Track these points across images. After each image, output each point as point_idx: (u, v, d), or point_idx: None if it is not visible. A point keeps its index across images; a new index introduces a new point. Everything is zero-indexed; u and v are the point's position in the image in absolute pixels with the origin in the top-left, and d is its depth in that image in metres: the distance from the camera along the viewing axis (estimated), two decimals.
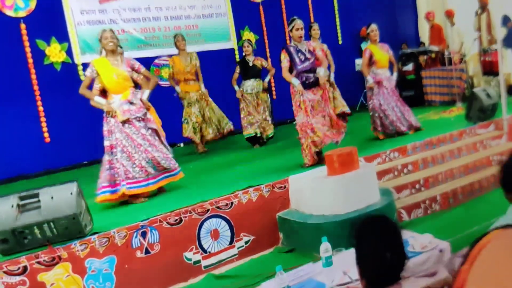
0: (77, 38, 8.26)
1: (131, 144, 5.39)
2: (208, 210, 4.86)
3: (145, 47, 8.61)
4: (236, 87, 8.21)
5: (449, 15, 10.19)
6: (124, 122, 5.38)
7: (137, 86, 5.63)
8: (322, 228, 4.61)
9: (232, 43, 9.85)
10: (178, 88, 7.85)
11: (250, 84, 8.14)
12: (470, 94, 7.98)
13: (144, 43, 8.33)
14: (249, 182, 5.39)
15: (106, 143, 5.42)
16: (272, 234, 5.17)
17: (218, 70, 9.11)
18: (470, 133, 7.25)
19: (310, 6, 10.98)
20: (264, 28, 10.30)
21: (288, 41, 8.14)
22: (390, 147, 6.42)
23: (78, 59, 8.24)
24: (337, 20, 11.49)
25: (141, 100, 5.53)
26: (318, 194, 5.03)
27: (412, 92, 10.12)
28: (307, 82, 6.07)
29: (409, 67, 10.45)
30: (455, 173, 6.30)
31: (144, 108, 5.53)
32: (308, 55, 6.16)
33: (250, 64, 8.19)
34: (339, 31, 11.55)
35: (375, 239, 2.00)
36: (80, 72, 8.27)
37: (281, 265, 3.26)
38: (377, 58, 7.42)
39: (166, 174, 5.66)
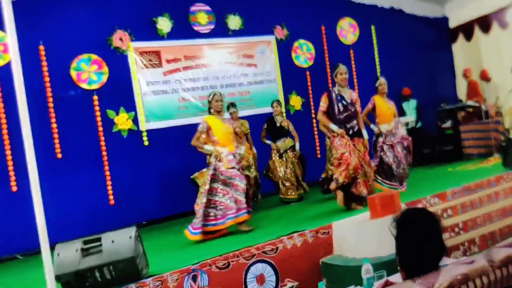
0: (143, 107, 8.51)
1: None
2: (254, 255, 4.78)
3: (203, 113, 8.82)
4: (268, 142, 8.19)
5: (484, 76, 10.01)
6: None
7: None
8: None
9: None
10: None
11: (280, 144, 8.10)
12: (508, 141, 7.71)
13: (202, 110, 8.51)
14: (293, 228, 5.32)
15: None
16: (315, 280, 5.01)
17: None
18: (507, 178, 6.93)
19: (353, 68, 11.02)
20: (310, 92, 10.39)
21: None
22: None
23: (143, 126, 8.45)
24: None
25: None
26: (360, 237, 4.90)
27: (450, 146, 9.90)
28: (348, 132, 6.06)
29: (448, 124, 10.28)
30: (493, 216, 6.12)
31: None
32: (349, 106, 6.11)
33: (278, 124, 8.20)
34: None
35: (416, 229, 1.98)
36: (145, 138, 8.49)
37: None
38: (381, 111, 7.18)
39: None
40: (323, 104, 6.18)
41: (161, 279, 4.29)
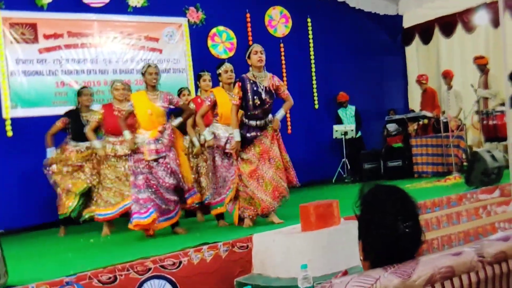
0: (9, 90, 8.33)
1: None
2: (149, 269, 4.63)
3: None
4: None
5: (447, 76, 10.43)
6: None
7: None
8: None
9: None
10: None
11: None
12: (472, 155, 8.01)
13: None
14: (204, 239, 5.26)
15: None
16: None
17: None
18: (471, 198, 7.20)
19: (283, 64, 11.28)
20: None
21: None
22: None
23: (7, 113, 8.25)
24: (314, 82, 11.75)
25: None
26: (289, 253, 4.83)
27: (399, 162, 10.24)
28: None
29: (395, 134, 10.69)
30: (453, 240, 6.23)
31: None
32: (267, 97, 6.21)
33: None
34: (315, 94, 11.80)
35: (385, 207, 1.91)
36: (8, 128, 8.31)
37: None
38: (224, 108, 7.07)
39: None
40: (236, 97, 6.16)
41: None
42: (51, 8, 8.83)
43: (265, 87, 6.15)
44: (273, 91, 6.23)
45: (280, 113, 6.27)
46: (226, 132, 6.47)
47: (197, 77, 7.71)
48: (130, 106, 6.42)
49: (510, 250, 2.00)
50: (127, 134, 6.35)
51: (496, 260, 1.97)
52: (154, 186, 6.12)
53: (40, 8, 8.77)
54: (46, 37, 8.83)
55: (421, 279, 1.77)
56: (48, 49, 8.83)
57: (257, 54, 6.17)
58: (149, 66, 6.42)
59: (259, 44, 6.38)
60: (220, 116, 6.60)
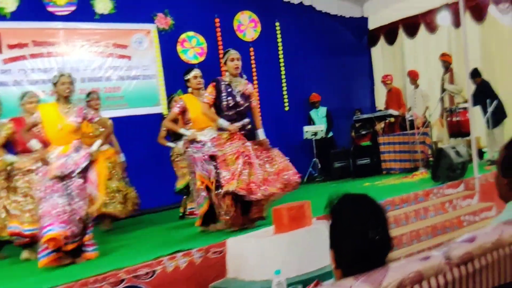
0: None
1: None
2: (123, 280, 4.55)
3: None
4: (169, 144, 8.09)
5: (413, 76, 10.55)
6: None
7: None
8: None
9: (162, 108, 9.94)
10: None
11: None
12: (438, 152, 8.13)
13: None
14: (178, 246, 5.22)
15: None
16: None
17: None
18: (438, 193, 7.31)
19: (254, 67, 11.31)
20: None
21: None
22: None
23: None
24: (284, 84, 11.79)
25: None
26: (262, 255, 4.84)
27: (367, 160, 10.34)
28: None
29: (364, 133, 10.84)
30: (421, 234, 6.34)
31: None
32: (241, 100, 6.15)
33: None
34: (285, 96, 11.84)
35: (355, 218, 1.94)
36: None
37: None
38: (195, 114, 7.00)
39: None
40: (209, 96, 6.11)
41: None
42: (14, 17, 8.68)
43: (239, 91, 6.13)
44: (247, 96, 6.21)
45: (260, 132, 6.27)
46: (204, 136, 6.43)
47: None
48: (36, 117, 5.66)
49: (475, 250, 2.03)
50: (35, 143, 5.61)
51: (463, 261, 2.00)
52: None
53: (3, 17, 8.61)
54: (10, 47, 8.68)
55: (392, 285, 1.79)
56: (13, 59, 8.69)
57: (233, 61, 6.13)
58: (62, 75, 5.69)
59: (232, 49, 6.34)
60: (193, 122, 6.55)
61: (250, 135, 6.15)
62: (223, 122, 5.99)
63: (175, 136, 7.83)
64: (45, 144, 5.68)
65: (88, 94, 7.95)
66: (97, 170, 5.75)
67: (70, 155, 5.55)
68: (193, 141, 6.47)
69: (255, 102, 6.41)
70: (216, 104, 6.12)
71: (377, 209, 1.98)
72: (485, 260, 2.06)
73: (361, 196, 2.03)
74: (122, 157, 7.98)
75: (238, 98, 6.09)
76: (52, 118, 5.59)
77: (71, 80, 5.70)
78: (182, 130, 6.62)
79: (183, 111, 6.64)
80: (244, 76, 6.34)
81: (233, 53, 6.18)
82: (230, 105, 6.04)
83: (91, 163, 5.68)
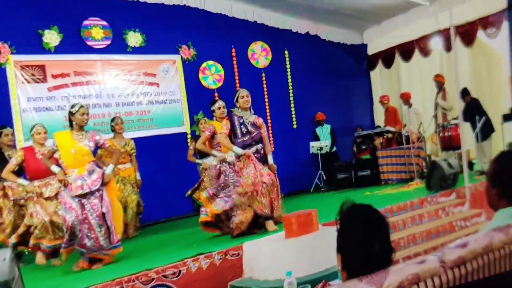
0: (21, 125, 8.22)
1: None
2: (153, 279, 4.54)
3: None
4: (198, 161, 8.14)
5: (406, 98, 10.49)
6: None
7: None
8: None
9: (185, 128, 10.05)
10: None
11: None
12: (431, 164, 8.04)
13: (93, 129, 8.17)
14: (200, 249, 5.19)
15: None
16: None
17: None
18: (432, 201, 7.22)
19: (265, 91, 11.29)
20: None
21: None
22: None
23: (21, 145, 8.03)
24: (292, 105, 11.76)
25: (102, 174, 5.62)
26: (274, 257, 4.81)
27: (367, 171, 10.26)
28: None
29: (364, 148, 10.80)
30: (417, 238, 6.26)
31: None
32: (253, 128, 6.27)
33: None
34: (294, 116, 11.79)
35: (361, 226, 1.92)
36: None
37: None
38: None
39: None
40: (224, 127, 6.28)
41: None
42: (58, 50, 8.77)
43: (250, 122, 6.30)
44: (257, 126, 6.35)
45: (269, 158, 6.37)
46: (231, 157, 6.41)
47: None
48: (53, 146, 5.67)
49: (467, 255, 2.01)
50: (54, 168, 5.60)
51: (456, 264, 1.98)
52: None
53: (48, 51, 8.70)
54: (54, 76, 8.74)
55: (392, 286, 1.77)
56: (56, 87, 8.74)
57: (243, 98, 6.31)
58: (81, 106, 5.63)
59: (244, 89, 6.49)
60: (221, 145, 6.64)
61: (261, 158, 6.29)
62: (237, 150, 6.14)
63: (201, 154, 7.91)
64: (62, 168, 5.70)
65: (113, 119, 8.05)
66: (111, 203, 5.66)
67: (84, 177, 5.51)
68: (223, 160, 6.48)
69: (264, 132, 6.50)
70: (232, 135, 6.28)
71: (380, 220, 1.97)
72: (476, 263, 2.03)
73: (368, 207, 2.01)
74: (138, 176, 8.01)
75: (250, 127, 6.26)
76: (67, 144, 5.57)
77: (88, 112, 5.74)
78: (214, 152, 6.71)
79: (212, 135, 6.76)
80: (252, 111, 6.45)
81: (243, 92, 6.37)
82: (244, 132, 6.22)
83: (105, 183, 5.62)
